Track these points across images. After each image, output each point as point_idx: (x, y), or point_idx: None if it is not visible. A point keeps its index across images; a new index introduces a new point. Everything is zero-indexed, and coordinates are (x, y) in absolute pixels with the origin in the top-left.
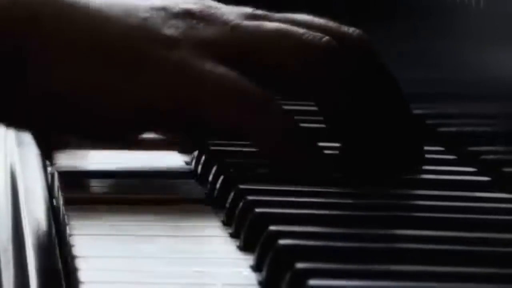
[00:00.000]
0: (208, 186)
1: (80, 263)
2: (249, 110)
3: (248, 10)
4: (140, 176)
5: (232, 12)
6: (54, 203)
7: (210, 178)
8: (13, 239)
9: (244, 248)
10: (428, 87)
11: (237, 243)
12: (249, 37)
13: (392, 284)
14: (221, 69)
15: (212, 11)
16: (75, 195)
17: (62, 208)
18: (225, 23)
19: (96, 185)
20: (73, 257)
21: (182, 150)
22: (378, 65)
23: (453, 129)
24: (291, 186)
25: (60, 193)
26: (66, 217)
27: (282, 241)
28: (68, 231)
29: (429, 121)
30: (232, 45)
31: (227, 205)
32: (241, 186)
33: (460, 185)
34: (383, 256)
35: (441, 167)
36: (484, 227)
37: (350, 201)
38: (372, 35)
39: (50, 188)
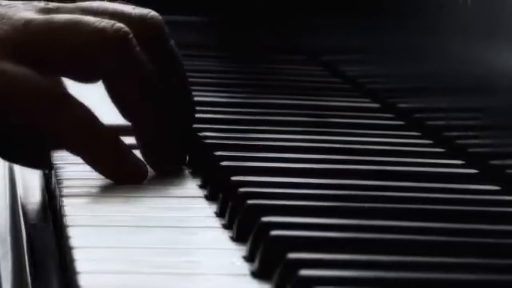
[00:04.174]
0: (202, 178)
1: (76, 254)
2: (43, 107)
3: (40, 4)
4: None
5: (25, 9)
6: (51, 195)
7: (204, 170)
8: (11, 230)
9: (237, 239)
10: (416, 82)
11: (230, 234)
12: (41, 31)
13: (382, 275)
14: (16, 68)
15: (4, 10)
16: (72, 187)
17: (58, 199)
18: (18, 20)
19: (92, 177)
20: (69, 248)
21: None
22: (168, 49)
23: (441, 122)
24: (283, 178)
25: (57, 185)
26: (62, 209)
27: (274, 232)
28: (64, 222)
29: (417, 115)
30: (25, 41)
31: (220, 196)
32: (234, 178)
33: (448, 177)
34: (373, 246)
35: (429, 160)
36: (472, 218)
37: (341, 192)
38: (360, 30)
39: (47, 180)
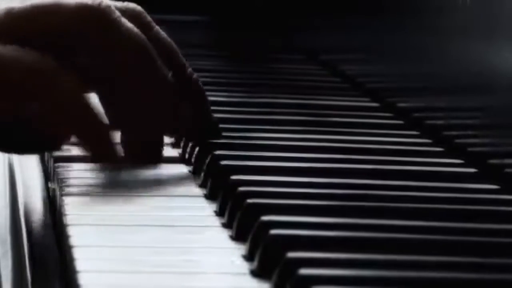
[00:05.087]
0: (201, 177)
1: (76, 253)
2: (32, 82)
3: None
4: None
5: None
6: (51, 194)
7: (204, 169)
8: (11, 229)
9: (237, 238)
10: (415, 81)
11: (230, 233)
12: (23, 14)
13: (381, 274)
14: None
15: None
16: (72, 186)
17: (59, 199)
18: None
19: (92, 176)
20: (69, 247)
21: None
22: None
23: (440, 121)
24: (282, 177)
25: (57, 184)
26: (63, 208)
27: (273, 231)
28: (64, 222)
29: (416, 114)
30: (7, 24)
31: (220, 195)
32: (233, 177)
33: (448, 176)
34: (372, 245)
35: (429, 159)
36: (471, 217)
37: (340, 191)
38: (359, 29)
39: (47, 180)
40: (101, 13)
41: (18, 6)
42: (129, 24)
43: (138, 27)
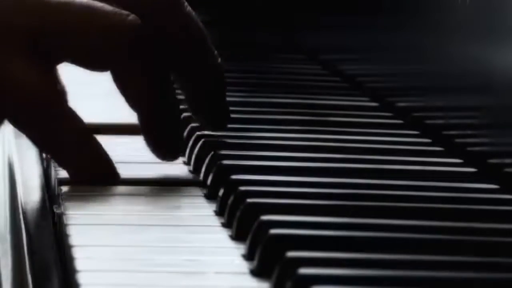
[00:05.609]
0: (201, 176)
1: (76, 252)
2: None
3: None
4: (136, 163)
5: None
6: (51, 193)
7: (204, 168)
8: (11, 229)
9: (236, 237)
10: (415, 80)
11: (229, 233)
12: (57, 18)
13: (382, 273)
14: (25, 76)
15: None
16: (72, 185)
17: (58, 198)
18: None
19: None
20: (69, 246)
21: None
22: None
23: (440, 121)
24: (282, 176)
25: (57, 183)
26: (62, 207)
27: (273, 231)
28: (64, 221)
29: (416, 114)
30: (41, 29)
31: (220, 195)
32: (233, 177)
33: (447, 176)
34: (372, 245)
35: (428, 158)
36: (471, 217)
37: (340, 191)
38: (359, 29)
39: (47, 179)
40: (131, 38)
41: (53, 2)
42: (157, 52)
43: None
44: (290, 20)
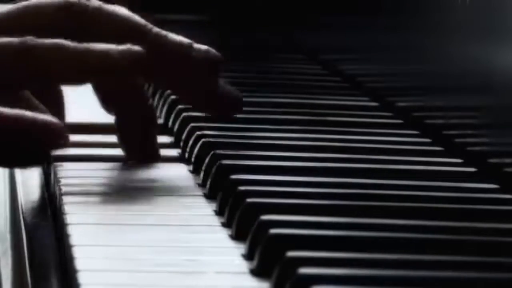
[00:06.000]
0: (201, 176)
1: (76, 252)
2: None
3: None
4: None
5: None
6: (51, 193)
7: (203, 168)
8: (11, 228)
9: (236, 237)
10: (415, 80)
11: (229, 232)
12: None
13: (381, 273)
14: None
15: None
16: (72, 185)
17: (58, 198)
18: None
19: (92, 175)
20: (69, 246)
21: None
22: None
23: (439, 121)
24: (282, 176)
25: (56, 183)
26: (62, 207)
27: (273, 231)
28: (64, 221)
29: (416, 113)
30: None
31: (219, 195)
32: (233, 177)
33: (447, 176)
34: (372, 245)
35: (428, 158)
36: (471, 217)
37: (340, 191)
38: (359, 29)
39: (46, 179)
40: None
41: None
42: (115, 7)
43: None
44: (290, 20)
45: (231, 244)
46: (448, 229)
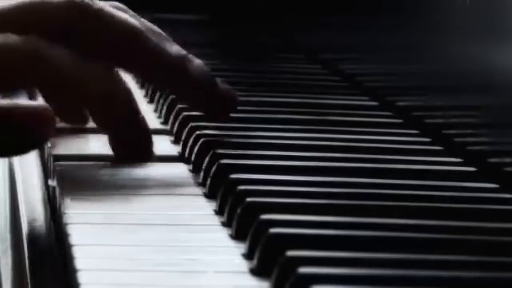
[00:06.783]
0: (201, 175)
1: (76, 251)
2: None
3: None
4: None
5: None
6: (51, 192)
7: (203, 167)
8: (11, 228)
9: (236, 236)
10: (415, 80)
11: (229, 232)
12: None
13: (381, 272)
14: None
15: None
16: (72, 185)
17: (58, 197)
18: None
19: (92, 174)
20: (69, 246)
21: None
22: None
23: (439, 120)
24: (282, 175)
25: (56, 182)
26: (62, 206)
27: (273, 230)
28: (64, 220)
29: (416, 113)
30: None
31: (219, 194)
32: (233, 176)
33: (447, 175)
34: (371, 244)
35: (428, 158)
36: (470, 216)
37: (340, 190)
38: (359, 28)
39: (47, 178)
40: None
41: (2, 6)
42: (116, 11)
43: None
44: (290, 20)
45: (231, 243)
46: (448, 229)
